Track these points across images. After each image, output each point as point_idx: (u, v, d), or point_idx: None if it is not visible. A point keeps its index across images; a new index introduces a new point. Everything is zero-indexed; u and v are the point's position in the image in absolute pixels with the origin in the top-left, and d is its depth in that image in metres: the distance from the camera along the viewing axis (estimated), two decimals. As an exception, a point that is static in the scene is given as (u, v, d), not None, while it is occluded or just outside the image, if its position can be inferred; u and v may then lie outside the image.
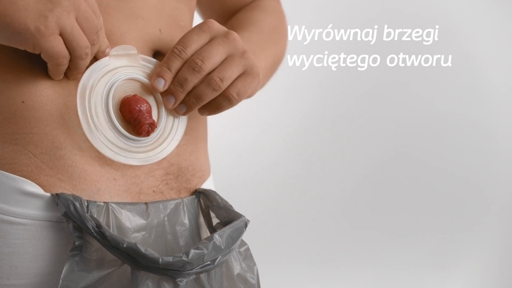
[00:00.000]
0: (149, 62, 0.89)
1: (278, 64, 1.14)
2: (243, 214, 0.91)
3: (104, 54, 0.84)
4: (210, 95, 0.86)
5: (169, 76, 0.86)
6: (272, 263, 2.74)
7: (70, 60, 0.80)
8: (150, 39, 0.91)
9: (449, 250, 2.84)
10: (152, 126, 0.84)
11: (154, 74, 0.86)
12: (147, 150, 0.86)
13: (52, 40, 0.75)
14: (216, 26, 0.88)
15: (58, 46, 0.76)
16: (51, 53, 0.76)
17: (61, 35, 0.76)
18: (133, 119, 0.84)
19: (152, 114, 0.86)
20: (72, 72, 0.82)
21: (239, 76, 0.89)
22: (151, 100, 0.87)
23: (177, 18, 0.96)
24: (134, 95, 0.85)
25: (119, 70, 0.86)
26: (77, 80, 0.83)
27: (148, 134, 0.85)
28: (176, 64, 0.86)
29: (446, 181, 2.83)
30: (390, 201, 2.82)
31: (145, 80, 0.87)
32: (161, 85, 0.86)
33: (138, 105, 0.84)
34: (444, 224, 2.84)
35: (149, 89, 0.87)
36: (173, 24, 0.94)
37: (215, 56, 0.86)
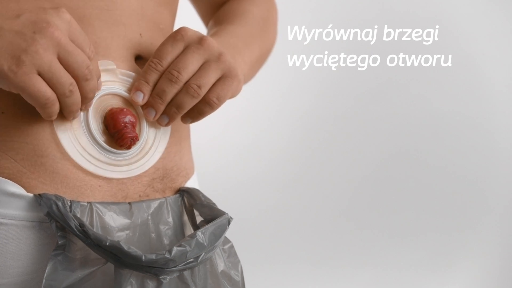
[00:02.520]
0: (128, 76, 0.89)
1: (267, 56, 1.13)
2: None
3: (98, 87, 0.83)
4: (190, 103, 0.87)
5: (147, 89, 0.86)
6: (272, 263, 2.75)
7: (58, 100, 0.77)
8: (131, 45, 0.91)
9: (449, 250, 2.84)
10: (134, 139, 0.85)
11: (133, 88, 0.87)
12: (129, 163, 0.87)
13: (27, 80, 0.72)
14: (190, 34, 0.88)
15: (35, 85, 0.73)
16: (29, 93, 0.73)
17: (40, 74, 0.73)
18: (117, 131, 0.84)
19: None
20: (65, 111, 0.79)
21: (218, 80, 0.89)
22: None
23: (158, 21, 0.96)
24: (122, 108, 0.86)
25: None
26: None
27: (129, 147, 0.85)
28: (153, 77, 0.86)
29: (446, 181, 2.83)
30: (390, 201, 2.82)
31: (124, 94, 0.88)
32: (140, 98, 0.86)
33: (124, 118, 0.84)
34: (444, 224, 2.83)
35: (129, 103, 0.88)
36: (154, 27, 0.95)
37: (191, 65, 0.86)
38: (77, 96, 0.78)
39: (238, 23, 1.08)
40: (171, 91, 0.86)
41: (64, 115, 0.79)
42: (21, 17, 0.73)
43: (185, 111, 0.88)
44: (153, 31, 0.95)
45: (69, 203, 0.79)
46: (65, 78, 0.75)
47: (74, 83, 0.76)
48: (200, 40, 0.88)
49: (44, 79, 0.74)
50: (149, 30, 0.94)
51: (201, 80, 0.86)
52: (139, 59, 0.93)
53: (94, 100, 0.84)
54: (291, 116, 2.81)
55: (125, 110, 0.85)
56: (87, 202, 0.81)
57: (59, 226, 0.78)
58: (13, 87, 0.73)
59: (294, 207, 2.80)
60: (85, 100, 0.80)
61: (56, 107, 0.76)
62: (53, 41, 0.73)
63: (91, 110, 0.84)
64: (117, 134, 0.84)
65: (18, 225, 0.79)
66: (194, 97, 0.86)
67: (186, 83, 0.87)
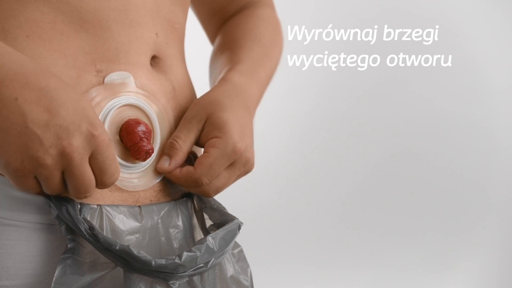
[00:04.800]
0: (144, 88, 0.89)
1: (270, 81, 1.15)
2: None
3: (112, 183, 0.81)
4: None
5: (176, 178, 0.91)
6: (272, 263, 2.75)
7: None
8: (148, 47, 0.91)
9: (449, 250, 2.84)
10: (150, 152, 0.85)
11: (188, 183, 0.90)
12: (141, 176, 0.87)
13: (20, 181, 0.73)
14: (243, 159, 0.92)
15: (25, 185, 0.73)
16: (16, 187, 0.74)
17: (36, 176, 0.73)
18: (133, 145, 0.84)
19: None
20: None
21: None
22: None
23: (172, 21, 0.96)
24: (138, 121, 0.85)
25: (115, 97, 0.85)
26: None
27: (145, 160, 0.85)
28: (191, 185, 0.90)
29: (446, 181, 2.83)
30: (390, 201, 2.82)
31: (141, 104, 0.87)
32: (166, 164, 0.90)
33: (139, 131, 0.84)
34: (444, 224, 2.84)
35: (146, 114, 0.88)
36: (169, 27, 0.95)
37: (223, 182, 0.92)
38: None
39: (254, 48, 1.10)
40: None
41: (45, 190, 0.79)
42: (50, 123, 0.71)
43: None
44: (168, 31, 0.95)
45: (79, 206, 0.79)
46: (55, 189, 0.75)
47: (61, 192, 0.76)
48: (246, 163, 0.93)
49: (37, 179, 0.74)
50: (164, 29, 0.94)
51: (222, 188, 0.93)
52: (154, 58, 0.93)
53: (112, 112, 0.84)
54: (291, 116, 2.81)
55: (141, 122, 0.85)
56: (97, 205, 0.81)
57: (68, 229, 0.77)
58: (6, 177, 0.74)
59: (294, 207, 2.81)
60: None
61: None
62: (63, 161, 0.72)
63: (107, 121, 0.83)
64: (133, 147, 0.84)
65: (28, 227, 0.79)
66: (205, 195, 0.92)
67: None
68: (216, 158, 0.89)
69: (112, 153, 0.76)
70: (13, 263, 0.79)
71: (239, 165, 0.91)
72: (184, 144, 0.90)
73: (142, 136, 0.84)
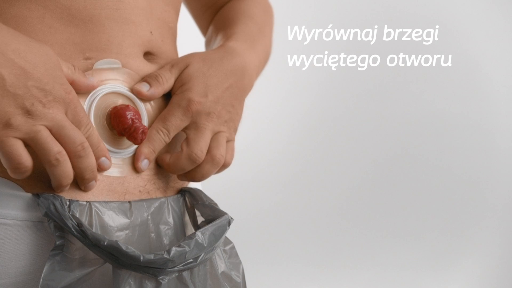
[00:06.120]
0: (133, 76, 0.90)
1: (267, 59, 1.15)
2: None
3: (102, 167, 0.83)
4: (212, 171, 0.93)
5: (152, 156, 0.89)
6: (273, 263, 2.74)
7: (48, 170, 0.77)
8: (142, 43, 0.91)
9: (449, 250, 2.84)
10: (145, 132, 0.85)
11: (138, 153, 0.88)
12: (128, 163, 0.87)
13: (5, 140, 0.72)
14: (200, 109, 0.91)
15: (10, 147, 0.72)
16: (2, 153, 0.73)
17: (25, 141, 0.74)
18: (127, 126, 0.84)
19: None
20: (52, 183, 0.79)
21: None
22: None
23: (166, 20, 0.96)
24: (126, 105, 0.86)
25: (101, 84, 0.86)
26: None
27: (141, 141, 0.85)
28: (159, 146, 0.89)
29: (446, 181, 2.83)
30: (390, 201, 2.82)
31: (127, 92, 0.88)
32: (146, 166, 0.89)
33: (130, 115, 0.85)
34: (444, 224, 2.83)
35: (132, 101, 0.88)
36: (163, 25, 0.96)
37: (205, 145, 0.91)
38: (65, 168, 0.77)
39: (247, 23, 1.10)
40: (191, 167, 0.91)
41: (53, 186, 0.79)
42: (28, 84, 0.73)
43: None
44: (163, 29, 0.95)
45: (67, 203, 0.79)
46: (51, 145, 0.75)
47: (63, 152, 0.76)
48: (208, 116, 0.92)
49: (30, 146, 0.74)
50: (158, 27, 0.94)
51: (222, 153, 0.93)
52: (149, 55, 0.93)
53: (98, 99, 0.84)
54: (291, 116, 2.81)
55: (130, 106, 0.85)
56: (86, 201, 0.81)
57: (57, 226, 0.77)
58: None
59: (294, 207, 2.80)
60: (82, 181, 0.80)
61: (26, 175, 0.76)
62: (47, 116, 0.74)
63: (93, 108, 0.84)
64: (128, 129, 0.84)
65: (16, 225, 0.78)
66: (214, 165, 0.92)
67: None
68: (169, 110, 0.90)
69: (82, 108, 0.79)
70: (2, 261, 0.78)
71: (202, 119, 0.91)
72: (166, 82, 0.91)
73: (133, 118, 0.85)
